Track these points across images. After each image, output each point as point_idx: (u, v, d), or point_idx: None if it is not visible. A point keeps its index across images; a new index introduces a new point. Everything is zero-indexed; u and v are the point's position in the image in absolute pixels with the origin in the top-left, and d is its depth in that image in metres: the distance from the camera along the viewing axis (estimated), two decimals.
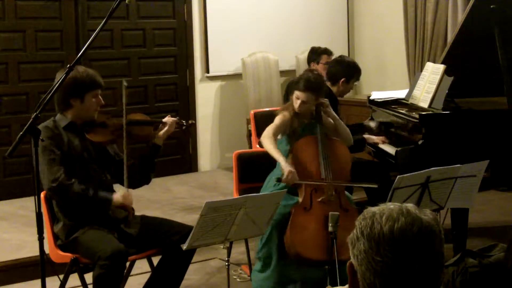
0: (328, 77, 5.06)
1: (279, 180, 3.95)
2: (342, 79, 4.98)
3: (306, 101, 4.11)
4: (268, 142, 4.08)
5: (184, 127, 3.92)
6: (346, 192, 4.16)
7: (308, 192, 3.98)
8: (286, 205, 3.90)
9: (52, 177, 3.49)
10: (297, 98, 4.13)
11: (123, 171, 3.70)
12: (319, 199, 3.97)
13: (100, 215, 3.62)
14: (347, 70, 5.02)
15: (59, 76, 3.44)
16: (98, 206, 3.61)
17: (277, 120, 4.17)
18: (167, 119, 3.84)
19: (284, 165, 3.95)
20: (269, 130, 4.14)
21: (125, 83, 3.75)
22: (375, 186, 4.14)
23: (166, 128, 3.81)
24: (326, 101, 4.23)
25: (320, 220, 3.90)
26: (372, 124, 5.23)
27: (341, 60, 5.16)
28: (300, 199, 3.98)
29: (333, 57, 6.19)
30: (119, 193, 3.65)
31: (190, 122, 3.98)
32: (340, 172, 4.08)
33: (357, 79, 5.15)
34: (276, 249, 3.96)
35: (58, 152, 3.55)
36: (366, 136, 4.99)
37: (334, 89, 5.01)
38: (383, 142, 4.84)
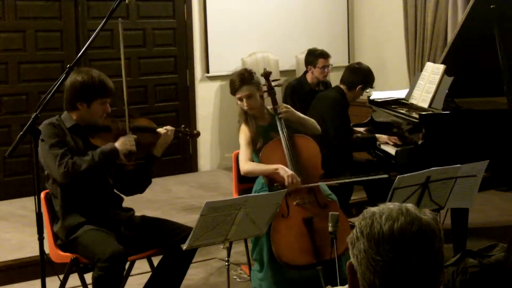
0: (345, 82, 5.09)
1: (283, 186, 3.91)
2: (359, 86, 5.03)
3: (249, 94, 4.12)
4: (251, 167, 4.09)
5: (188, 137, 3.89)
6: (322, 185, 4.10)
7: (283, 198, 3.87)
8: None
9: (63, 172, 3.45)
10: (241, 100, 4.15)
11: (121, 177, 3.71)
12: (295, 203, 3.95)
13: (100, 216, 3.62)
14: (366, 77, 5.10)
15: (71, 78, 3.44)
16: (109, 161, 3.58)
17: (242, 141, 4.17)
18: (160, 130, 3.78)
19: (283, 172, 3.93)
20: (241, 158, 4.15)
21: (121, 20, 3.73)
22: (385, 176, 4.13)
23: (160, 140, 3.78)
24: (281, 106, 4.21)
25: (300, 224, 3.88)
26: (361, 129, 5.25)
27: (359, 67, 5.20)
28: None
29: (330, 60, 6.20)
30: (120, 139, 3.61)
31: (195, 132, 3.95)
32: (311, 168, 4.07)
33: (371, 86, 5.21)
34: (267, 249, 3.95)
35: (60, 144, 3.52)
36: (377, 135, 4.98)
37: (348, 94, 5.06)
38: (394, 143, 4.82)
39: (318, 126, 4.37)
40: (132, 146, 3.62)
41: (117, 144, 3.60)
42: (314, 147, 4.16)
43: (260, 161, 4.08)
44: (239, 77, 4.15)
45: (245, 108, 4.15)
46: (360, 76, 5.07)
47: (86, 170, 3.49)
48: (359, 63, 5.35)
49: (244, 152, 4.15)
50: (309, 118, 4.36)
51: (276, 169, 3.96)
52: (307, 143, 4.16)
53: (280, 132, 4.09)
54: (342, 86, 5.10)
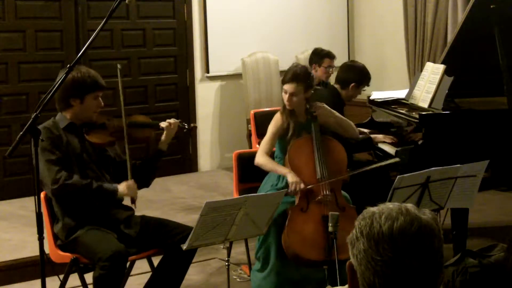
0: (338, 81, 5.09)
1: (287, 194, 3.94)
2: (353, 84, 5.01)
3: (293, 92, 4.14)
4: (264, 161, 4.14)
5: (185, 130, 3.91)
6: (343, 192, 4.15)
7: (304, 193, 3.97)
8: (282, 203, 3.88)
9: (53, 179, 3.49)
10: (285, 92, 4.17)
11: (124, 173, 3.71)
12: (315, 199, 3.96)
13: (100, 215, 3.62)
14: (359, 75, 5.06)
15: (60, 76, 3.44)
16: (104, 198, 3.61)
17: (270, 129, 4.21)
18: (163, 124, 3.80)
19: (290, 177, 3.96)
20: (260, 148, 4.19)
21: (119, 66, 3.78)
22: (397, 160, 4.14)
23: (165, 133, 3.80)
24: (318, 103, 4.23)
25: (318, 220, 3.89)
26: (366, 131, 5.21)
27: (352, 65, 5.19)
28: (297, 200, 3.98)
29: (335, 61, 6.19)
30: (124, 183, 3.65)
31: (192, 125, 3.96)
32: (336, 172, 4.07)
33: (367, 84, 5.18)
34: (274, 248, 3.96)
35: (57, 152, 3.55)
36: (372, 135, 4.98)
37: (343, 92, 5.05)
38: (391, 141, 4.81)
39: (355, 128, 4.39)
40: (135, 194, 3.68)
41: (120, 187, 3.64)
42: (342, 152, 4.17)
43: (287, 154, 4.08)
44: (294, 72, 4.15)
45: (285, 102, 4.17)
46: (352, 74, 5.04)
47: (76, 189, 3.53)
48: (352, 61, 5.33)
49: (265, 143, 4.19)
50: (346, 119, 4.37)
51: (286, 174, 4.01)
52: (336, 147, 4.17)
53: (313, 131, 4.11)
54: (336, 85, 5.09)
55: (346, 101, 5.11)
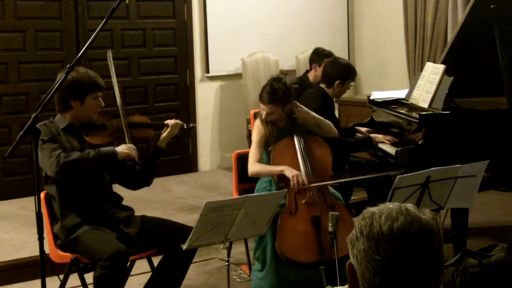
0: (323, 79, 5.07)
1: (287, 186, 3.94)
2: (337, 81, 4.98)
3: (271, 112, 4.14)
4: (258, 168, 4.12)
5: (184, 130, 3.92)
6: (331, 189, 4.14)
7: (292, 196, 3.96)
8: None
9: (53, 161, 3.44)
10: (263, 109, 4.17)
11: (124, 172, 3.71)
12: (303, 201, 3.96)
13: (99, 215, 3.62)
14: (342, 72, 5.01)
15: (60, 76, 3.44)
16: (106, 162, 3.60)
17: (254, 137, 4.21)
18: (169, 121, 3.84)
19: (288, 172, 3.95)
20: (250, 158, 4.18)
21: (110, 54, 3.82)
22: (386, 174, 4.15)
23: (168, 130, 3.82)
24: (295, 104, 4.21)
25: (307, 222, 3.90)
26: (364, 129, 5.19)
27: (335, 62, 5.15)
28: (286, 203, 3.97)
29: None
30: (122, 145, 3.65)
31: (191, 125, 3.98)
32: (321, 170, 4.07)
33: (353, 80, 5.16)
34: (270, 249, 3.95)
35: (57, 143, 3.54)
36: (372, 135, 4.97)
37: (329, 91, 5.02)
38: (390, 141, 4.81)
39: (334, 129, 4.38)
40: (133, 153, 3.64)
41: (118, 148, 3.61)
42: (326, 149, 4.18)
43: (271, 158, 4.09)
44: (271, 94, 4.12)
45: (263, 117, 4.19)
46: (336, 71, 5.00)
47: (77, 161, 3.47)
48: (335, 58, 5.28)
49: (254, 153, 4.18)
50: (325, 119, 4.36)
51: (282, 170, 3.99)
52: (319, 145, 4.18)
53: (294, 132, 4.11)
54: (322, 85, 5.07)
55: (334, 99, 5.11)
